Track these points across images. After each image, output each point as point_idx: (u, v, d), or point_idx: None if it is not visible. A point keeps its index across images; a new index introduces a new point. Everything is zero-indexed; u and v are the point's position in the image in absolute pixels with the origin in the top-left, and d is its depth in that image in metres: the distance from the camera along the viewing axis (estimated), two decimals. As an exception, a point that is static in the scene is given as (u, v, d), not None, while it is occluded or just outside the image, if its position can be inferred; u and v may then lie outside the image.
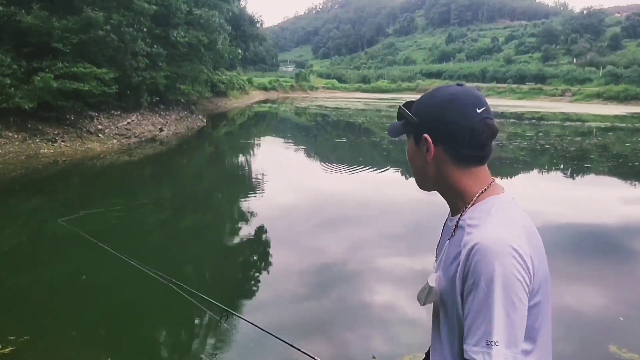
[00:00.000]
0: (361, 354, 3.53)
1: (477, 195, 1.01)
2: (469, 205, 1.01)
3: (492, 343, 0.85)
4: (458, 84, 1.05)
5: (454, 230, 1.02)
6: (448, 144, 1.01)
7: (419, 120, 1.04)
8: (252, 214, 7.51)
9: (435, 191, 1.11)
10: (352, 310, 4.25)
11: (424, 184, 1.11)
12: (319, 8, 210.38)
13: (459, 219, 1.02)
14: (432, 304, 1.06)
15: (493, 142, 1.03)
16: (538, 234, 0.99)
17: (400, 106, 1.09)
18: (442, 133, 1.01)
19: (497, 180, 1.06)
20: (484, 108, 1.00)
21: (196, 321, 4.04)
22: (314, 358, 1.85)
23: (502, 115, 29.23)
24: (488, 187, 1.02)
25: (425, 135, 1.02)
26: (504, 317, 0.86)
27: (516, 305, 0.87)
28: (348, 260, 5.41)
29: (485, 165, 1.04)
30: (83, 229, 4.47)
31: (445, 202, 1.11)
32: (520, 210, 1.01)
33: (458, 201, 1.04)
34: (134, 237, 6.31)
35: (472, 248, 0.91)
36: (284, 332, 3.87)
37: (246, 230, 6.75)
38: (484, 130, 0.98)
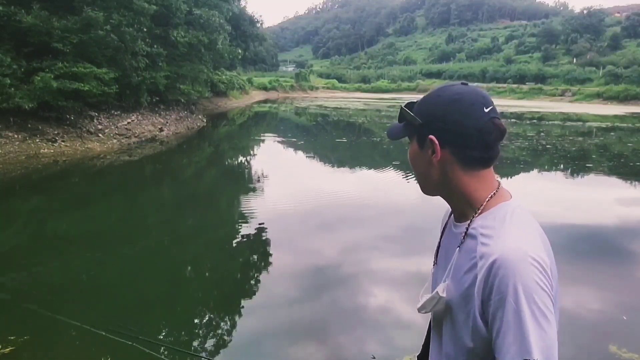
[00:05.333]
0: (361, 355, 3.53)
1: (487, 200, 0.96)
2: (479, 212, 0.96)
3: None
4: (462, 83, 1.00)
5: (463, 238, 0.97)
6: (455, 146, 0.96)
7: (423, 121, 0.99)
8: (250, 215, 7.50)
9: (439, 196, 1.06)
10: (350, 312, 4.24)
11: (428, 189, 1.05)
12: (319, 8, 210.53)
13: (469, 226, 0.96)
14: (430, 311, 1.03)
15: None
16: (549, 242, 0.95)
17: (401, 107, 1.04)
18: (448, 134, 0.96)
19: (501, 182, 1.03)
20: (491, 107, 0.95)
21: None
22: None
23: (502, 115, 28.10)
24: (496, 191, 0.98)
25: (431, 136, 0.97)
26: (538, 331, 0.82)
27: (548, 317, 0.83)
28: (347, 263, 5.40)
29: (492, 168, 1.00)
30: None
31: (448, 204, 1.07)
32: (531, 217, 0.97)
33: (465, 207, 0.99)
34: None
35: (494, 262, 0.86)
36: (283, 333, 3.88)
37: (245, 231, 6.73)
38: (492, 131, 0.94)
